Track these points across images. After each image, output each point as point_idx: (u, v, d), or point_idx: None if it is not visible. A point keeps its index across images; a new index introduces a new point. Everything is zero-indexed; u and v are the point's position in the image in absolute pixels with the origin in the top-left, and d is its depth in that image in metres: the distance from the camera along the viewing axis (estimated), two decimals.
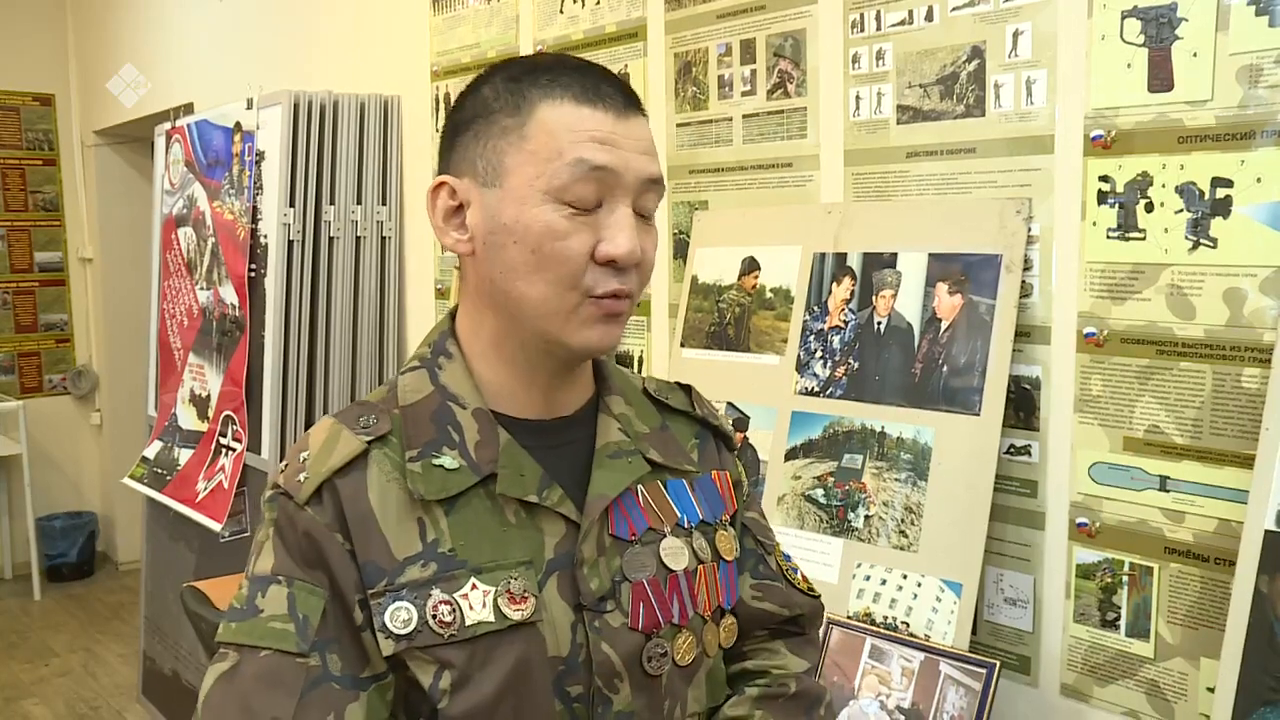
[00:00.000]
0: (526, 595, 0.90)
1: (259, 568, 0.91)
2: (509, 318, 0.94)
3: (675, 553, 0.98)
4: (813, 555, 1.75)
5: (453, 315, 1.02)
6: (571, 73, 0.92)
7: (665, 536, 0.99)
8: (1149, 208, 1.49)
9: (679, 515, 1.01)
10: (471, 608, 0.88)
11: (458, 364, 0.97)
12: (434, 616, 0.87)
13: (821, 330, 1.84)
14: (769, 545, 1.13)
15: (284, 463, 0.95)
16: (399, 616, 0.87)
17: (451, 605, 0.88)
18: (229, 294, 3.11)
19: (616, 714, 0.93)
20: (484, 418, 0.94)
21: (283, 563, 0.89)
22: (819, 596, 1.16)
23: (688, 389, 1.13)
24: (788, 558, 1.16)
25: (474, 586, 0.89)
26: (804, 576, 1.16)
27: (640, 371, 2.30)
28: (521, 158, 0.89)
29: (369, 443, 0.92)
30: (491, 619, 0.88)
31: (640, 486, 0.99)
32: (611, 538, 0.95)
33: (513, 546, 0.91)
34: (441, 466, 0.91)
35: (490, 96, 0.93)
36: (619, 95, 0.92)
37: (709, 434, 1.11)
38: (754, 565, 1.10)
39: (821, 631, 1.64)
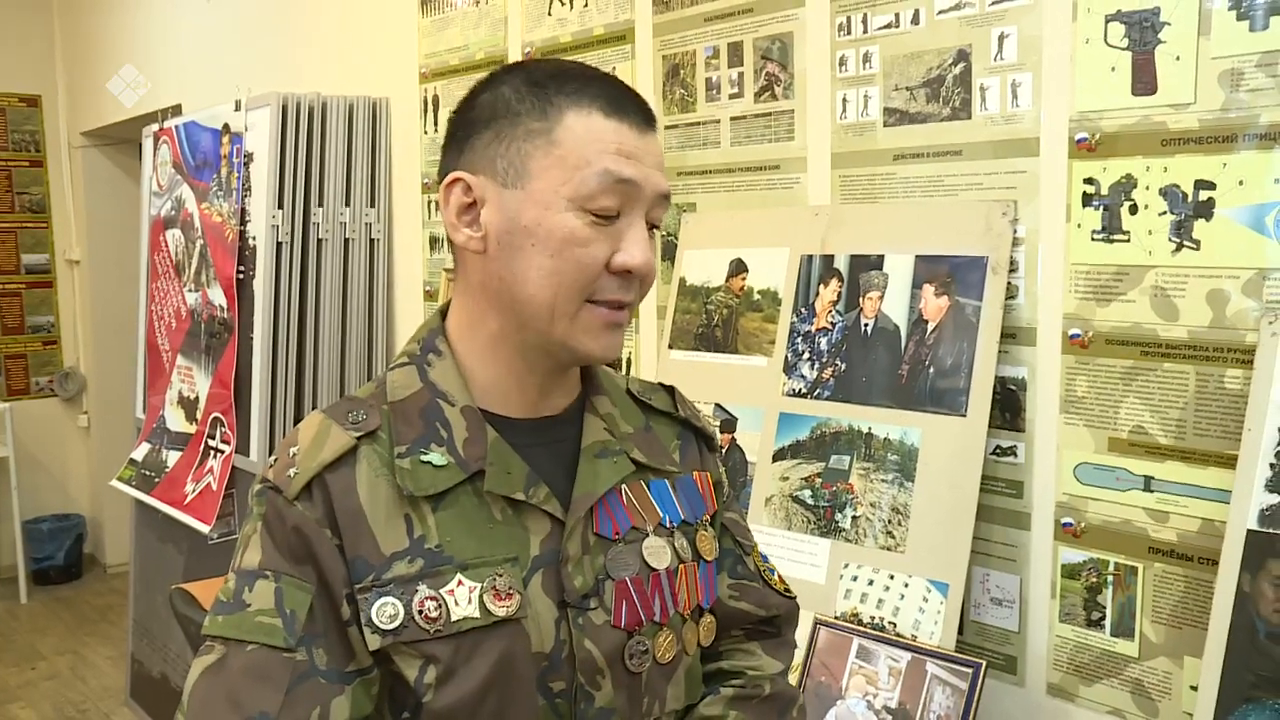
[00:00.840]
0: (512, 592, 0.90)
1: (246, 561, 0.91)
2: (512, 318, 0.94)
3: (658, 552, 0.99)
4: (800, 556, 1.76)
5: (443, 312, 1.02)
6: (597, 83, 0.93)
7: (648, 536, 1.00)
8: (1133, 210, 1.50)
9: (661, 515, 1.02)
10: (457, 603, 0.89)
11: (447, 361, 0.98)
12: (420, 612, 0.88)
13: (809, 332, 1.85)
14: (747, 546, 1.15)
15: (273, 457, 0.95)
16: (385, 612, 0.88)
17: (437, 601, 0.89)
18: (217, 296, 3.10)
19: (598, 710, 0.94)
20: (472, 415, 0.95)
21: (270, 557, 0.90)
22: (795, 598, 1.18)
23: (671, 390, 1.14)
24: (765, 558, 1.18)
25: (460, 583, 0.90)
26: (780, 578, 1.18)
27: (628, 373, 2.30)
28: (549, 162, 0.90)
29: (358, 438, 0.92)
30: (477, 615, 0.89)
31: (624, 486, 1.00)
32: (596, 536, 0.96)
33: (499, 543, 0.92)
34: (429, 463, 0.92)
35: (513, 98, 0.93)
36: (639, 111, 0.94)
37: (691, 435, 1.12)
38: (732, 565, 1.12)
39: (808, 632, 1.65)
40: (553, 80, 0.93)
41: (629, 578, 0.96)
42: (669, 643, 0.99)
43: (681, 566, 1.01)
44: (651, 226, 0.96)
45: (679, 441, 1.10)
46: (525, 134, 0.91)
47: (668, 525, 1.02)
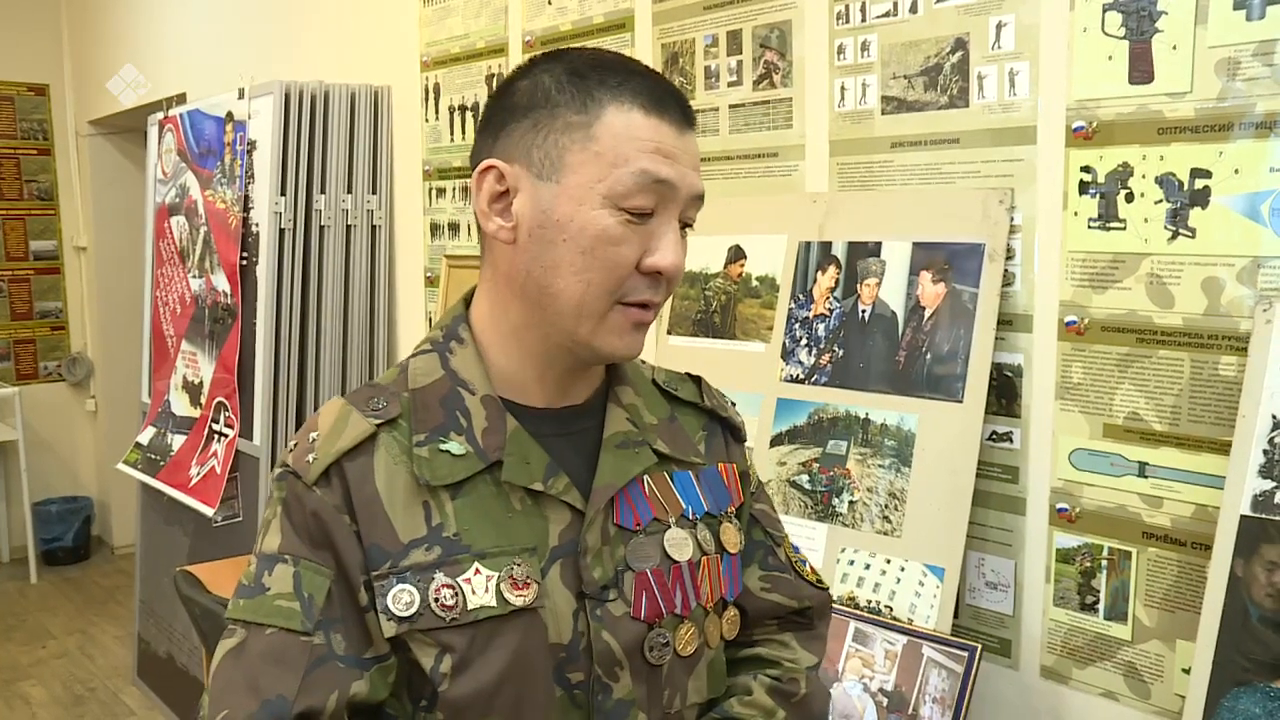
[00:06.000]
0: (529, 581, 0.90)
1: (266, 545, 0.92)
2: (537, 310, 0.94)
3: (679, 544, 0.99)
4: (798, 540, 1.77)
5: (467, 300, 1.02)
6: (639, 79, 0.92)
7: (670, 527, 0.99)
8: (1129, 198, 1.50)
9: (684, 506, 1.01)
10: (474, 592, 0.89)
11: (469, 349, 0.97)
12: (436, 600, 0.88)
13: (806, 318, 1.86)
14: (778, 537, 1.14)
15: (293, 442, 0.96)
16: (401, 599, 0.88)
17: (454, 589, 0.89)
18: (221, 282, 3.12)
19: (616, 702, 0.93)
20: (492, 404, 0.95)
21: (289, 542, 0.91)
22: (827, 588, 1.17)
23: (698, 380, 1.13)
24: (796, 549, 1.16)
25: (477, 571, 0.89)
26: (812, 568, 1.16)
27: None
28: (585, 157, 0.89)
29: (378, 426, 0.93)
30: (493, 604, 0.89)
31: (646, 477, 1.00)
32: (616, 527, 0.96)
33: (517, 533, 0.92)
34: (448, 452, 0.92)
35: (553, 87, 0.92)
36: (680, 109, 0.93)
37: (717, 426, 1.11)
38: (763, 557, 1.11)
39: None
40: (594, 71, 0.92)
41: (649, 569, 0.96)
42: (690, 635, 0.98)
43: (704, 559, 1.00)
44: (684, 225, 0.95)
45: (704, 432, 1.09)
46: (563, 126, 0.90)
47: (690, 517, 1.01)
